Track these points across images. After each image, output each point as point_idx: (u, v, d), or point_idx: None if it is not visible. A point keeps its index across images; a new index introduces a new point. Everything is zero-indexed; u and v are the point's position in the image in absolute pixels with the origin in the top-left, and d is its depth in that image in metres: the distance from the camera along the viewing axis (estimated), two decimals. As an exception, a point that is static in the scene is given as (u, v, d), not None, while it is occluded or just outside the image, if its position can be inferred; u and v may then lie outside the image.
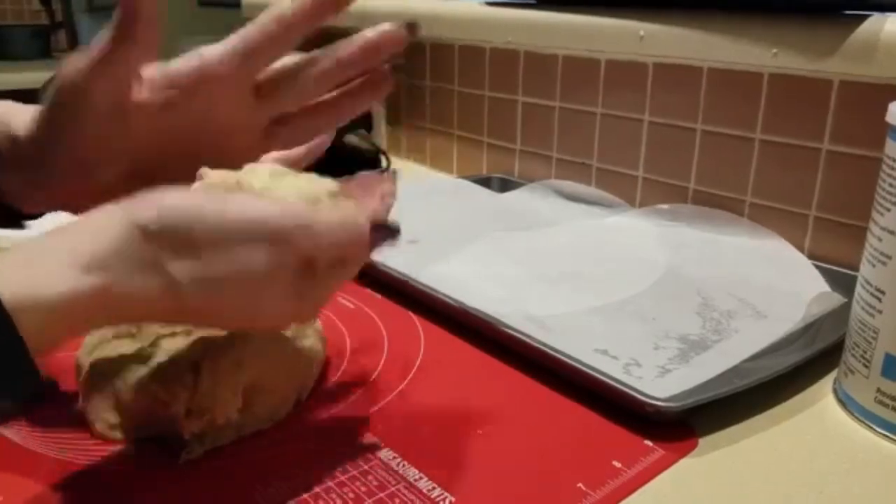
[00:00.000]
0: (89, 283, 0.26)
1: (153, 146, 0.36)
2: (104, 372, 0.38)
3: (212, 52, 0.35)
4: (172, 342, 0.38)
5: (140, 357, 0.38)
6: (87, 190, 0.35)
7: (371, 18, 1.05)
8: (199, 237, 0.28)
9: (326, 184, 0.35)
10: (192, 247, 0.28)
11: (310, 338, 0.42)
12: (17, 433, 0.38)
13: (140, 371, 0.38)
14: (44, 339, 0.26)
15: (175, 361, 0.37)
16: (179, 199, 0.28)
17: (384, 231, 0.35)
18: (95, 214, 0.28)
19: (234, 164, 0.35)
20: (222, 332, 0.39)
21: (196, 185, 0.33)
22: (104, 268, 0.27)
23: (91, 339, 0.41)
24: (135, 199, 0.28)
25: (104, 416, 0.38)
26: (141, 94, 0.34)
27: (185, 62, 0.35)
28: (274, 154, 0.41)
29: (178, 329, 0.39)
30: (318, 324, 0.44)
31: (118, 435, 0.38)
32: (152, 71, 0.35)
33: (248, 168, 0.35)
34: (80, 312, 0.27)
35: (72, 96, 0.33)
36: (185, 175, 0.33)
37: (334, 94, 0.39)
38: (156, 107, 0.35)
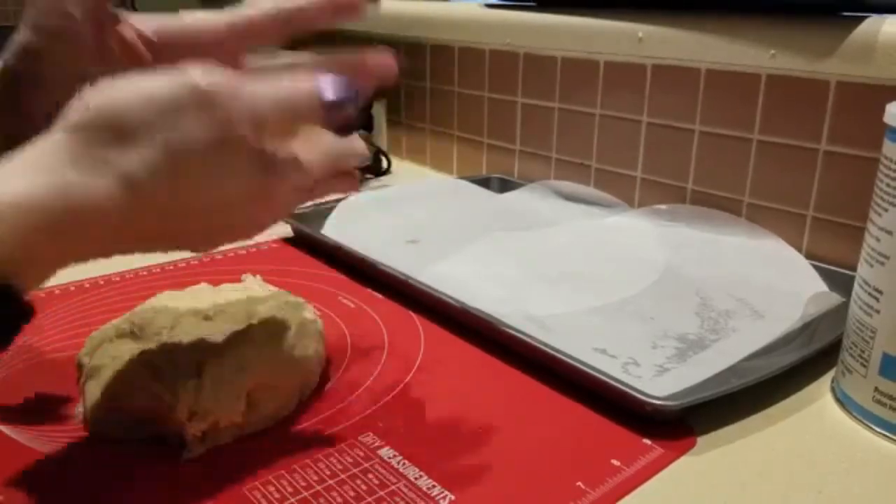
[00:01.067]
0: (42, 182, 0.26)
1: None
2: (105, 372, 0.38)
3: (211, 23, 0.35)
4: (175, 342, 0.38)
5: (142, 357, 0.38)
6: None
7: (370, 18, 1.05)
8: (131, 120, 0.28)
9: None
10: (129, 132, 0.28)
11: (311, 338, 0.42)
12: (17, 432, 0.38)
13: (142, 372, 0.38)
14: (11, 247, 0.26)
15: (177, 362, 0.37)
16: (105, 91, 0.28)
17: (338, 90, 0.32)
18: (45, 134, 0.28)
19: None
20: (222, 332, 0.39)
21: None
22: (54, 170, 0.27)
23: (92, 339, 0.42)
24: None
25: (105, 415, 0.38)
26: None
27: (182, 27, 0.35)
28: None
29: (179, 329, 0.40)
30: (320, 324, 0.44)
31: (119, 434, 0.38)
32: (142, 27, 0.35)
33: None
34: (41, 216, 0.26)
35: (27, 64, 0.33)
36: None
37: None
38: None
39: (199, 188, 0.29)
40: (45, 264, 0.28)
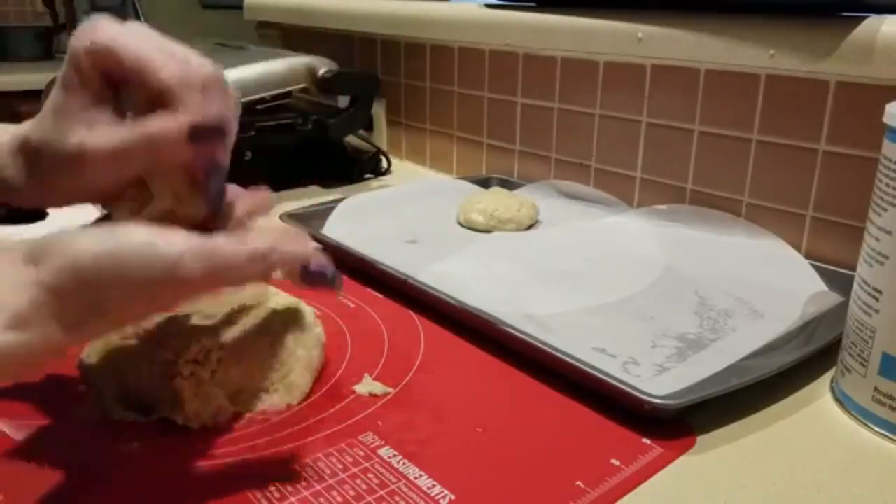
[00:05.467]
0: (16, 340, 0.27)
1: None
2: (114, 373, 0.39)
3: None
4: (177, 342, 0.39)
5: (146, 357, 0.39)
6: (94, 187, 0.35)
7: (370, 19, 1.06)
8: (103, 292, 0.28)
9: None
10: (100, 301, 0.28)
11: (311, 338, 0.43)
12: (18, 432, 0.38)
13: (147, 372, 0.39)
14: None
15: (180, 361, 0.38)
16: (78, 252, 0.28)
17: (319, 277, 0.33)
18: (5, 265, 0.29)
19: None
20: (223, 332, 0.40)
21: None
22: (28, 327, 0.27)
23: (95, 341, 0.42)
24: (38, 251, 0.28)
25: (116, 412, 0.39)
26: None
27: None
28: None
29: (181, 329, 0.40)
30: (319, 324, 0.44)
31: (129, 416, 0.39)
32: None
33: None
34: (9, 366, 0.28)
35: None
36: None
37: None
38: None
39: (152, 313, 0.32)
40: None
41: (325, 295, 0.55)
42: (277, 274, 0.31)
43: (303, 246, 0.33)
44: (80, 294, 0.28)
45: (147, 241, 0.29)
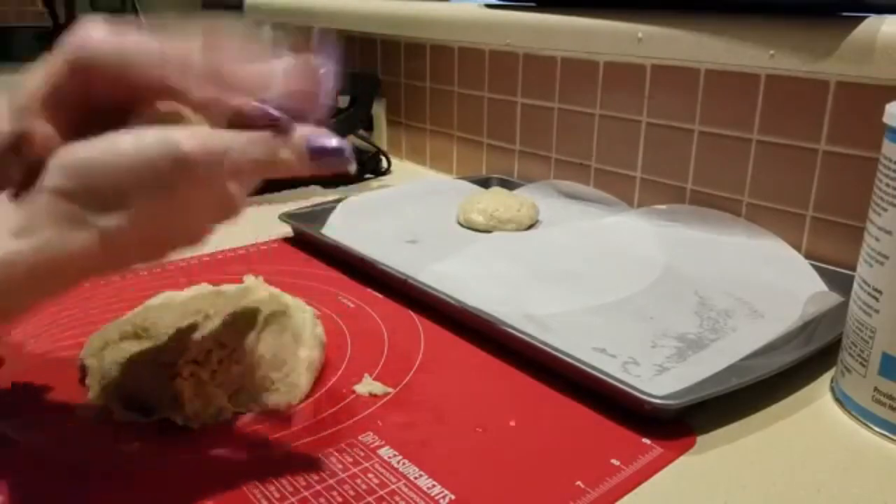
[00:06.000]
0: (23, 246, 0.27)
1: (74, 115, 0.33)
2: (115, 374, 0.39)
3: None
4: (177, 342, 0.39)
5: (148, 357, 0.39)
6: None
7: (370, 19, 1.06)
8: (109, 185, 0.28)
9: None
10: (107, 195, 0.28)
11: (310, 338, 0.43)
12: (18, 431, 0.38)
13: (149, 372, 0.38)
14: None
15: (180, 361, 0.38)
16: (85, 152, 0.28)
17: (327, 151, 0.31)
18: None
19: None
20: (223, 332, 0.40)
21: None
22: (33, 232, 0.27)
23: (94, 340, 0.42)
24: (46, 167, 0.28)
25: (117, 410, 0.39)
26: None
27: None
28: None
29: (181, 329, 0.40)
30: (319, 324, 0.44)
31: (129, 416, 0.39)
32: None
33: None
34: (20, 277, 0.27)
35: None
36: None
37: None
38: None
39: (170, 226, 0.31)
40: (20, 308, 0.29)
41: (325, 295, 0.55)
42: (285, 153, 0.30)
43: (308, 131, 0.31)
44: (84, 190, 0.28)
45: (154, 130, 0.29)
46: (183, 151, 0.28)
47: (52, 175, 0.28)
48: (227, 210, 0.32)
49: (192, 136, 0.29)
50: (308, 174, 0.32)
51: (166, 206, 0.29)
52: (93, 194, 0.28)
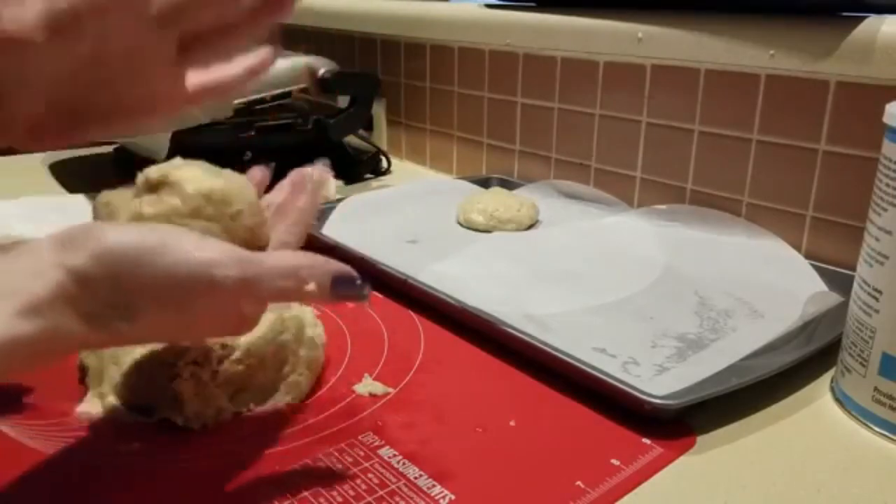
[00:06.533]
0: (27, 329, 0.26)
1: (60, 76, 0.34)
2: (115, 372, 0.39)
3: None
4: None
5: (148, 357, 0.39)
6: (6, 122, 0.34)
7: (370, 19, 1.06)
8: (137, 288, 0.27)
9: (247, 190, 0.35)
10: (130, 298, 0.27)
11: (311, 338, 0.43)
12: (18, 431, 0.38)
13: (149, 371, 0.39)
14: None
15: (180, 361, 0.38)
16: (116, 242, 0.27)
17: (348, 285, 0.32)
18: (29, 250, 0.27)
19: (152, 89, 0.35)
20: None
21: (128, 211, 0.34)
22: (41, 315, 0.26)
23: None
24: (67, 236, 0.27)
25: (119, 408, 0.39)
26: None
27: None
28: (198, 82, 0.38)
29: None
30: (320, 324, 0.44)
31: (129, 416, 0.39)
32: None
33: (180, 163, 0.35)
34: (20, 356, 0.26)
35: None
36: (106, 101, 0.33)
37: (245, 8, 0.37)
38: (42, 38, 0.32)
39: (176, 332, 0.31)
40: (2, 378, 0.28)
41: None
42: (311, 287, 0.31)
43: (332, 262, 0.32)
44: (107, 285, 0.27)
45: (188, 241, 0.28)
46: (218, 279, 0.28)
47: (79, 255, 0.27)
48: (241, 327, 0.32)
49: (230, 263, 0.28)
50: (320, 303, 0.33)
51: (180, 318, 0.29)
52: (112, 293, 0.27)
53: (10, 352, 0.26)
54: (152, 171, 0.35)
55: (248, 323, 0.32)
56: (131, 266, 0.27)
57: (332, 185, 0.39)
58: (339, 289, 0.31)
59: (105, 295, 0.27)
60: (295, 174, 0.40)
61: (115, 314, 0.27)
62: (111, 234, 0.27)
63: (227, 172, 0.36)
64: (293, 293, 0.31)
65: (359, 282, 0.32)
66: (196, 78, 0.38)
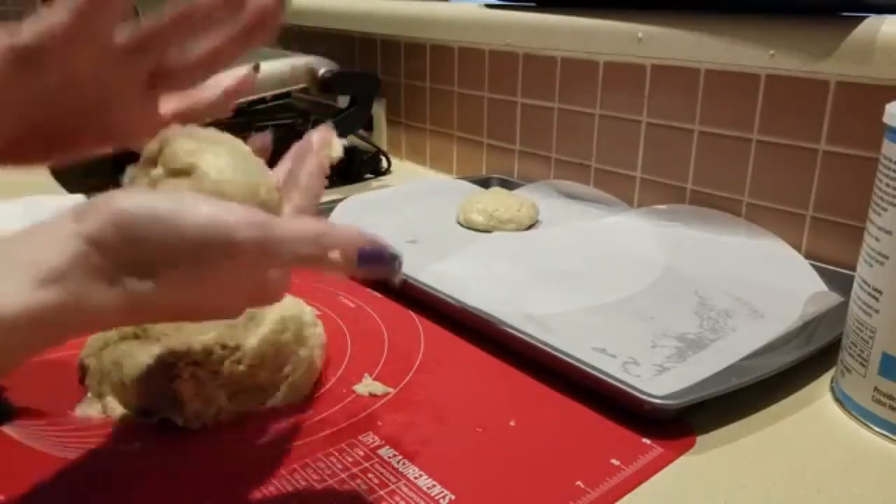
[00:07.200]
0: (47, 298, 0.26)
1: (31, 103, 0.34)
2: (115, 373, 0.39)
3: (53, 17, 0.33)
4: (177, 342, 0.39)
5: (148, 357, 0.39)
6: None
7: (370, 19, 1.05)
8: (154, 248, 0.27)
9: (260, 172, 0.34)
10: (148, 259, 0.27)
11: (311, 338, 0.43)
12: (18, 431, 0.38)
13: (149, 371, 0.38)
14: (5, 357, 0.26)
15: (180, 362, 0.38)
16: (132, 205, 0.27)
17: (376, 259, 0.31)
18: (47, 224, 0.27)
19: (126, 114, 0.35)
20: (224, 332, 0.40)
21: (143, 175, 0.33)
22: (60, 283, 0.26)
23: (94, 340, 0.42)
24: (84, 206, 0.27)
25: (107, 399, 0.39)
26: None
27: (28, 27, 0.33)
28: (173, 108, 0.39)
29: (181, 329, 0.40)
30: (320, 324, 0.44)
31: (129, 416, 0.39)
32: None
33: (175, 130, 0.34)
34: (39, 328, 0.26)
35: None
36: (83, 128, 0.33)
37: (216, 40, 0.37)
38: (9, 71, 0.33)
39: (197, 303, 0.30)
40: (22, 359, 0.27)
41: (325, 295, 0.55)
42: (335, 255, 0.30)
43: (358, 231, 0.31)
44: (124, 248, 0.27)
45: (205, 205, 0.28)
46: (237, 240, 0.28)
47: (95, 221, 0.27)
48: (266, 296, 0.32)
49: (248, 226, 0.28)
50: (349, 276, 0.32)
51: (202, 284, 0.28)
52: (130, 255, 0.27)
53: (34, 323, 0.26)
54: (180, 152, 0.33)
55: (274, 292, 0.32)
56: (148, 228, 0.27)
57: (338, 144, 0.38)
58: (365, 262, 0.30)
59: (122, 257, 0.27)
60: (298, 143, 0.39)
61: (134, 274, 0.27)
62: (127, 199, 0.27)
63: (248, 153, 0.35)
64: (316, 260, 0.30)
65: (388, 254, 0.31)
66: (171, 104, 0.38)
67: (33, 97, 0.34)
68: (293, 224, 0.30)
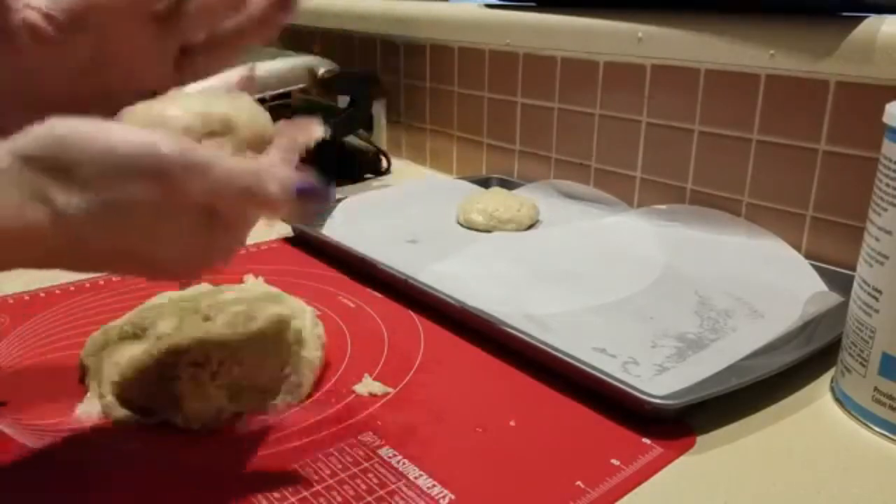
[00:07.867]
0: None
1: (56, 85, 0.34)
2: (113, 374, 0.39)
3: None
4: (177, 343, 0.39)
5: (147, 358, 0.39)
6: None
7: (370, 19, 1.06)
8: (80, 164, 0.27)
9: (222, 107, 0.32)
10: (75, 174, 0.27)
11: (311, 338, 0.43)
12: (18, 431, 0.38)
13: (149, 372, 0.39)
14: None
15: (180, 362, 0.38)
16: (60, 126, 0.27)
17: (312, 192, 0.31)
18: None
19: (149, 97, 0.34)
20: (223, 333, 0.40)
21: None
22: None
23: (94, 340, 0.42)
24: (23, 131, 0.27)
25: (116, 410, 0.39)
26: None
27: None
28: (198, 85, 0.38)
29: (181, 330, 0.40)
30: (320, 324, 0.44)
31: (129, 416, 0.39)
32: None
33: (174, 93, 0.33)
34: None
35: None
36: (105, 109, 0.32)
37: (242, 19, 0.37)
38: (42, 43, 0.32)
39: (134, 241, 0.29)
40: None
41: (325, 295, 0.55)
42: (273, 187, 0.29)
43: (291, 169, 0.31)
44: (51, 161, 0.26)
45: (143, 131, 0.28)
46: (161, 153, 0.27)
47: (27, 141, 0.27)
48: (214, 253, 0.31)
49: (174, 142, 0.28)
50: (280, 216, 0.32)
51: (136, 218, 0.28)
52: (59, 170, 0.27)
53: None
54: (140, 109, 0.31)
55: (223, 251, 0.31)
56: (79, 141, 0.27)
57: (318, 128, 0.37)
58: (302, 193, 0.30)
59: (45, 164, 0.27)
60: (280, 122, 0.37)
61: (63, 190, 0.27)
62: (60, 119, 0.27)
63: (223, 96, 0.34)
64: (253, 196, 0.29)
65: (321, 184, 0.31)
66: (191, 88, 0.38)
67: (63, 74, 0.34)
68: (229, 159, 0.29)
